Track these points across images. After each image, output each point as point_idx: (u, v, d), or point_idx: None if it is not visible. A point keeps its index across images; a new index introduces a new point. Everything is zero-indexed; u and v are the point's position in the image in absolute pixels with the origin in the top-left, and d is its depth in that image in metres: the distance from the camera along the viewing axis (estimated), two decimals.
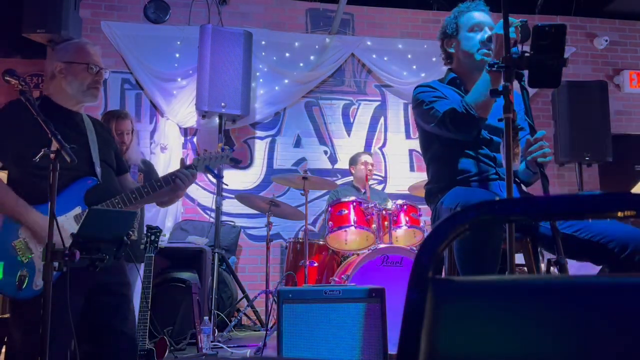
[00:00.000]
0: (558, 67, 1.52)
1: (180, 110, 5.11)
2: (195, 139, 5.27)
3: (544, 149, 1.79)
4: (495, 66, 1.59)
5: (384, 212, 3.61)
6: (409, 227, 3.62)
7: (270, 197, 4.20)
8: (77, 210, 1.96)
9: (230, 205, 5.06)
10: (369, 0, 5.70)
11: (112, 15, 5.21)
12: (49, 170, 1.63)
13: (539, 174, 1.73)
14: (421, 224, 3.70)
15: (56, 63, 2.06)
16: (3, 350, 2.83)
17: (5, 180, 1.98)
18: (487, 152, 2.10)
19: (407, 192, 4.32)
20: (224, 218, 5.00)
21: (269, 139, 5.41)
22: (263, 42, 5.37)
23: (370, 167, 4.65)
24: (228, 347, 3.65)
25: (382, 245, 3.34)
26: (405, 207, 3.66)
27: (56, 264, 1.57)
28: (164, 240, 3.51)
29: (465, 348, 0.54)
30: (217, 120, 4.88)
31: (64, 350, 1.82)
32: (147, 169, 3.55)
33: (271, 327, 3.51)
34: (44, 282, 1.56)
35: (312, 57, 5.47)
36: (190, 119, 5.12)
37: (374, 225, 3.60)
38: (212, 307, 4.07)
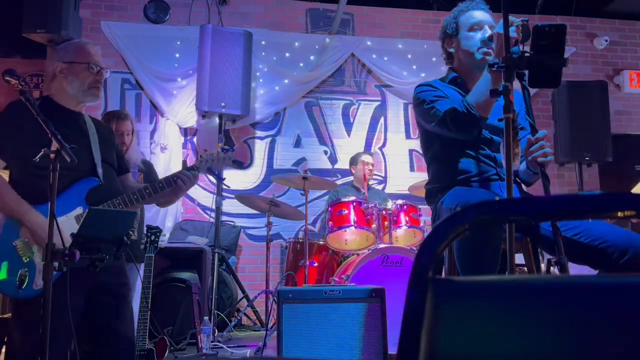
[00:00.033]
0: (558, 67, 1.52)
1: (180, 110, 5.11)
2: (195, 139, 5.27)
3: (544, 148, 1.79)
4: (496, 66, 1.59)
5: (384, 212, 3.61)
6: (409, 227, 3.62)
7: (270, 197, 4.20)
8: (79, 210, 1.96)
9: (230, 205, 5.06)
10: (369, 0, 5.70)
11: (112, 15, 5.21)
12: (49, 170, 1.63)
13: (540, 173, 1.73)
14: (421, 224, 3.70)
15: (57, 63, 2.07)
16: (3, 350, 2.83)
17: (6, 180, 1.99)
18: (488, 152, 2.10)
19: (407, 192, 4.32)
20: (224, 218, 5.00)
21: (269, 139, 5.41)
22: (263, 42, 5.37)
23: (370, 167, 4.66)
24: (228, 347, 3.65)
25: (382, 245, 3.34)
26: (405, 207, 3.66)
27: (56, 264, 1.57)
28: (164, 240, 3.51)
29: (465, 348, 0.54)
30: (217, 120, 4.88)
31: (64, 350, 1.83)
32: (147, 169, 3.55)
33: (271, 327, 3.51)
34: (44, 282, 1.57)
35: (312, 57, 5.47)
36: (190, 119, 5.12)
37: (374, 225, 3.60)
38: (212, 307, 4.07)
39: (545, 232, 1.89)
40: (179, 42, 5.23)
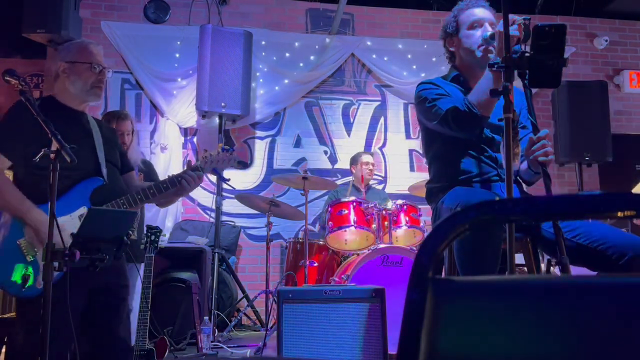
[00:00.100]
0: (558, 67, 1.52)
1: (180, 110, 5.11)
2: (195, 139, 5.27)
3: (546, 147, 1.78)
4: (496, 66, 1.58)
5: (384, 212, 3.61)
6: (409, 227, 3.62)
7: (270, 197, 4.20)
8: (82, 210, 1.97)
9: (230, 205, 5.06)
10: (369, 0, 5.70)
11: (112, 15, 5.21)
12: (50, 170, 1.63)
13: (542, 173, 1.73)
14: (421, 224, 3.70)
15: (59, 63, 2.08)
16: (3, 350, 2.83)
17: (10, 180, 2.00)
18: (489, 152, 2.09)
19: (407, 192, 4.32)
20: (224, 218, 5.00)
21: (269, 139, 5.41)
22: (263, 42, 5.37)
23: (370, 167, 4.66)
24: (228, 347, 3.65)
25: (382, 245, 3.34)
26: (405, 207, 3.66)
27: (56, 263, 1.57)
28: (164, 240, 3.51)
29: (465, 348, 0.54)
30: (217, 120, 4.88)
31: (65, 350, 1.83)
32: (147, 169, 3.55)
33: (271, 327, 3.52)
34: (44, 282, 1.57)
35: (312, 57, 5.47)
36: (190, 119, 5.12)
37: (374, 225, 3.60)
38: (212, 307, 4.07)
39: (546, 232, 1.89)
40: (179, 42, 5.23)
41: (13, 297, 1.91)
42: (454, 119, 1.95)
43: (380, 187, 5.38)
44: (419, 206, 3.77)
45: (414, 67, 5.63)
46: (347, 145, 5.45)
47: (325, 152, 5.48)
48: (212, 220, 4.95)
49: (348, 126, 5.57)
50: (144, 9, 5.25)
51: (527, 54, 1.53)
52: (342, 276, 3.32)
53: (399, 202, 3.69)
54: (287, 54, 5.45)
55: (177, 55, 5.22)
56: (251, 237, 5.21)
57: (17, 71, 1.79)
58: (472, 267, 1.73)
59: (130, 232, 1.94)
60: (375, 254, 3.27)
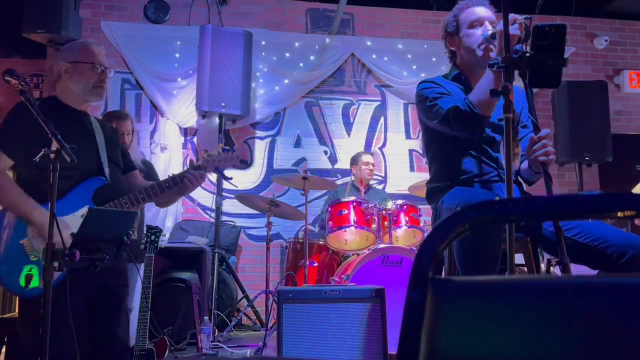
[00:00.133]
0: (558, 67, 1.52)
1: (180, 110, 5.11)
2: (195, 139, 5.27)
3: (546, 147, 1.78)
4: (496, 66, 1.58)
5: (384, 212, 3.61)
6: (409, 227, 3.62)
7: (270, 197, 4.20)
8: (85, 209, 1.98)
9: (230, 205, 5.06)
10: (369, 0, 5.70)
11: (112, 15, 5.21)
12: (50, 170, 1.64)
13: (543, 172, 1.73)
14: (421, 224, 3.70)
15: (62, 63, 2.09)
16: (3, 350, 2.84)
17: (13, 179, 2.01)
18: (490, 152, 2.08)
19: (407, 192, 4.32)
20: (224, 218, 5.00)
21: (269, 139, 5.41)
22: (263, 42, 5.37)
23: (371, 167, 4.66)
24: (228, 347, 3.65)
25: (382, 245, 3.34)
26: (405, 207, 3.66)
27: (56, 264, 1.57)
28: (164, 240, 3.51)
29: (465, 348, 0.54)
30: (217, 120, 4.88)
31: (67, 349, 1.84)
32: (147, 169, 3.55)
33: (271, 327, 3.52)
34: (44, 282, 1.57)
35: (312, 57, 5.47)
36: (190, 119, 5.12)
37: (374, 225, 3.60)
38: (212, 307, 4.07)
39: (546, 232, 1.89)
40: (179, 42, 5.23)
41: (17, 296, 1.92)
42: (455, 119, 1.94)
43: (380, 187, 5.38)
44: (419, 206, 3.77)
45: (414, 67, 5.63)
46: (347, 145, 5.45)
47: (325, 152, 5.48)
48: (212, 220, 4.95)
49: (348, 126, 5.57)
50: (144, 9, 5.25)
51: (527, 54, 1.53)
52: (342, 276, 3.32)
53: (399, 202, 3.69)
54: (287, 54, 5.45)
55: (177, 55, 5.23)
56: (251, 237, 5.21)
57: (17, 71, 1.79)
58: (472, 267, 1.73)
59: (131, 232, 1.94)
60: (375, 254, 3.27)
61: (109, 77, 2.15)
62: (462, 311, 0.56)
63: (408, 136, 5.66)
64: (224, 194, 5.04)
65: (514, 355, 0.53)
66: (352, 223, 3.60)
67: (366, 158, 4.69)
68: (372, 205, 3.63)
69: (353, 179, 4.77)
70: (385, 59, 5.61)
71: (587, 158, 4.86)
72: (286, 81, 5.37)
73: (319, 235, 4.80)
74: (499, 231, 1.71)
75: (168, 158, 5.03)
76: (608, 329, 0.51)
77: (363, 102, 5.63)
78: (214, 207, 4.93)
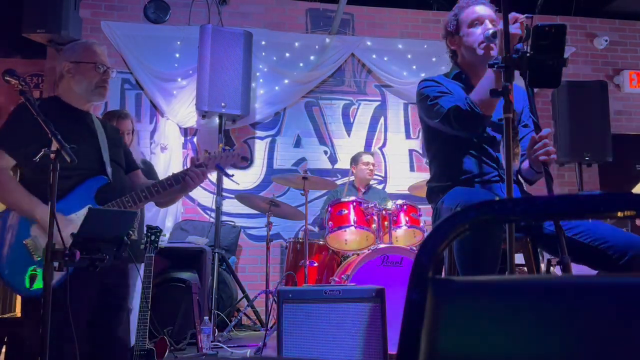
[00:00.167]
0: (558, 67, 1.52)
1: (180, 110, 5.11)
2: (195, 139, 5.27)
3: (547, 147, 1.78)
4: (496, 66, 1.58)
5: (384, 212, 3.60)
6: (409, 227, 3.62)
7: (270, 197, 4.20)
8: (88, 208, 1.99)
9: (230, 205, 5.06)
10: (369, 0, 5.70)
11: (112, 15, 5.21)
12: (50, 170, 1.64)
13: (543, 172, 1.73)
14: (421, 224, 3.70)
15: (64, 63, 2.10)
16: (3, 350, 2.84)
17: (16, 178, 2.03)
18: (491, 152, 2.08)
19: (407, 192, 4.32)
20: (224, 218, 5.00)
21: (269, 139, 5.41)
22: (263, 42, 5.37)
23: (371, 167, 4.66)
24: (228, 347, 3.65)
25: (382, 245, 3.34)
26: (405, 207, 3.66)
27: (56, 264, 1.58)
28: (164, 240, 3.51)
29: (465, 348, 0.54)
30: (217, 120, 4.88)
31: (71, 349, 1.85)
32: (147, 169, 3.54)
33: (271, 327, 3.52)
34: (44, 282, 1.57)
35: (312, 57, 5.47)
36: (190, 119, 5.13)
37: (374, 225, 3.60)
38: (212, 307, 4.07)
39: (546, 231, 1.89)
40: (179, 42, 5.23)
41: (22, 296, 1.92)
42: (456, 118, 1.93)
43: (380, 187, 5.39)
44: (419, 206, 3.77)
45: (414, 67, 5.63)
46: (347, 145, 5.45)
47: (325, 152, 5.48)
48: (212, 220, 4.95)
49: (348, 126, 5.57)
50: (144, 9, 5.25)
51: (527, 54, 1.53)
52: (342, 276, 3.32)
53: (399, 202, 3.69)
54: (287, 54, 5.46)
55: (177, 55, 5.23)
56: (251, 237, 5.21)
57: (17, 71, 1.79)
58: (472, 267, 1.73)
59: (131, 232, 1.95)
60: (375, 254, 3.27)
61: (112, 77, 2.17)
62: (462, 311, 0.56)
63: (408, 136, 5.66)
64: (224, 194, 5.04)
65: (514, 355, 0.53)
66: (352, 223, 3.60)
67: (366, 158, 4.69)
68: (372, 205, 3.63)
69: (353, 178, 4.77)
70: (385, 59, 5.61)
71: (587, 158, 4.86)
72: (286, 81, 5.37)
73: (319, 235, 4.80)
74: (499, 231, 1.71)
75: (168, 158, 5.03)
76: (608, 329, 0.51)
77: (363, 102, 5.63)
78: (214, 207, 4.93)
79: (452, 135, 2.03)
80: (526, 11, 1.80)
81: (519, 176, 2.14)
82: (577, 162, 4.98)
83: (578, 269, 1.88)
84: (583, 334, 0.51)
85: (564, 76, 1.82)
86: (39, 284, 1.87)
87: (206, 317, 3.58)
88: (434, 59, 5.57)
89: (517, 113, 2.17)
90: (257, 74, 5.30)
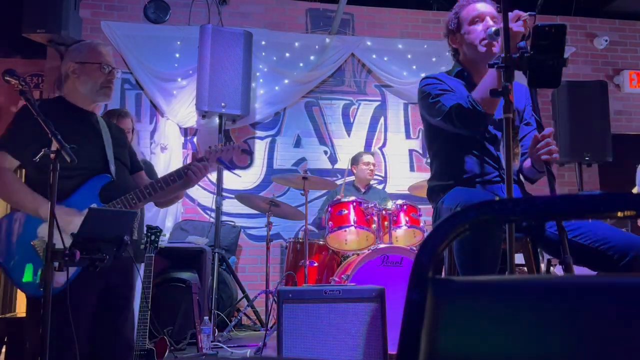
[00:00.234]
0: (558, 67, 1.51)
1: (180, 110, 5.11)
2: (195, 139, 5.27)
3: (550, 146, 1.78)
4: (496, 66, 1.58)
5: (384, 212, 3.60)
6: (409, 227, 3.62)
7: (270, 197, 4.20)
8: (93, 207, 2.00)
9: (230, 205, 5.06)
10: (369, 0, 5.70)
11: (112, 15, 5.21)
12: (50, 170, 1.65)
13: (546, 171, 1.72)
14: (421, 224, 3.70)
15: (69, 63, 2.11)
16: (3, 350, 2.84)
17: (19, 178, 2.04)
18: (492, 151, 2.07)
19: (407, 192, 4.32)
20: (224, 218, 5.00)
21: (269, 139, 5.41)
22: (263, 42, 5.37)
23: (371, 167, 4.66)
24: (228, 347, 3.65)
25: (382, 245, 3.34)
26: (405, 207, 3.66)
27: (57, 264, 1.58)
28: (164, 240, 3.51)
29: (465, 348, 0.54)
30: (217, 120, 4.88)
31: (81, 349, 1.86)
32: (148, 169, 3.54)
33: (271, 327, 3.52)
34: (44, 282, 1.58)
35: (312, 57, 5.47)
36: (190, 119, 5.13)
37: (374, 225, 3.60)
38: (212, 307, 4.07)
39: (548, 232, 1.88)
40: (179, 42, 5.23)
41: (31, 296, 1.93)
42: (458, 116, 1.92)
43: (380, 187, 5.39)
44: (419, 206, 3.77)
45: (414, 67, 5.63)
46: (347, 145, 5.45)
47: (325, 152, 5.48)
48: (212, 220, 4.95)
49: (348, 126, 5.57)
50: (144, 9, 5.25)
51: (527, 54, 1.53)
52: (342, 276, 3.32)
53: (399, 202, 3.69)
54: (287, 54, 5.46)
55: (177, 55, 5.23)
56: (251, 237, 5.21)
57: (17, 71, 1.80)
58: (472, 267, 1.73)
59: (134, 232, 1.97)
60: (375, 254, 3.27)
61: (117, 78, 2.18)
62: (462, 311, 0.56)
63: (408, 136, 5.66)
64: (224, 194, 5.04)
65: (514, 355, 0.53)
66: (352, 223, 3.60)
67: (367, 158, 4.69)
68: (372, 205, 3.63)
69: (353, 178, 4.77)
70: (385, 59, 5.61)
71: (587, 158, 4.86)
72: (286, 81, 5.37)
73: (319, 235, 4.80)
74: (499, 231, 1.71)
75: (168, 158, 5.03)
76: (608, 329, 0.51)
77: (363, 102, 5.63)
78: (214, 207, 4.93)
79: (454, 134, 2.02)
80: (526, 11, 1.79)
81: (520, 175, 2.14)
82: (577, 162, 4.97)
83: (578, 271, 1.88)
84: (583, 334, 0.51)
85: (564, 76, 1.82)
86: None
87: (206, 317, 3.58)
88: (434, 59, 5.57)
89: (519, 111, 2.16)
90: (257, 74, 5.30)
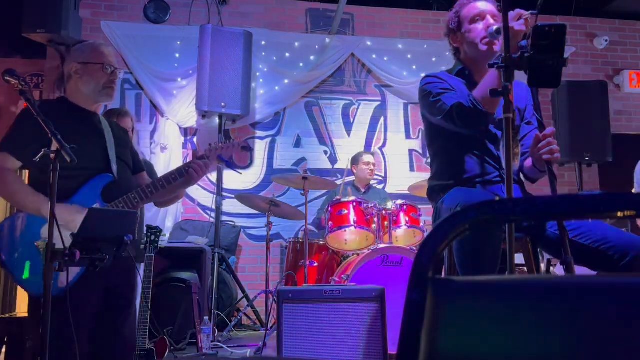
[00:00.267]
0: (558, 67, 1.51)
1: (180, 110, 5.12)
2: (195, 139, 5.27)
3: (551, 146, 1.78)
4: (496, 66, 1.58)
5: (384, 212, 3.60)
6: (409, 227, 3.62)
7: (270, 197, 4.20)
8: (96, 206, 2.00)
9: (230, 205, 5.06)
10: (369, 0, 5.70)
11: (112, 15, 5.21)
12: (50, 170, 1.65)
13: (547, 171, 1.72)
14: (421, 224, 3.70)
15: (72, 64, 2.12)
16: (3, 350, 2.84)
17: (22, 179, 2.05)
18: (492, 150, 2.07)
19: (407, 192, 4.32)
20: (224, 218, 5.00)
21: (269, 139, 5.41)
22: (263, 42, 5.37)
23: (371, 167, 4.66)
24: (228, 347, 3.65)
25: (382, 245, 3.34)
26: (405, 207, 3.66)
27: (57, 264, 1.58)
28: (164, 240, 3.51)
29: (465, 348, 0.54)
30: (217, 120, 4.88)
31: (82, 348, 1.86)
32: (148, 169, 3.54)
33: (271, 327, 3.52)
34: (44, 282, 1.58)
35: (312, 57, 5.48)
36: (190, 119, 5.13)
37: (374, 225, 3.60)
38: (212, 307, 4.07)
39: (549, 233, 1.88)
40: (179, 42, 5.23)
41: (35, 297, 1.93)
42: (459, 115, 1.92)
43: (380, 187, 5.38)
44: (419, 206, 3.77)
45: (414, 67, 5.63)
46: (347, 145, 5.45)
47: (325, 152, 5.48)
48: (212, 220, 4.95)
49: (348, 126, 5.57)
50: (144, 9, 5.25)
51: (527, 54, 1.53)
52: (342, 276, 3.32)
53: (399, 202, 3.69)
54: (287, 54, 5.46)
55: (177, 55, 5.23)
56: (251, 237, 5.21)
57: (17, 71, 1.80)
58: (472, 267, 1.73)
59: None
60: (375, 254, 3.27)
61: (119, 78, 2.19)
62: (462, 311, 0.56)
63: (408, 136, 5.66)
64: (224, 194, 5.04)
65: (514, 355, 0.53)
66: (352, 223, 3.60)
67: (367, 158, 4.69)
68: (372, 205, 3.63)
69: (354, 178, 4.77)
70: (385, 59, 5.61)
71: (587, 158, 4.86)
72: (286, 81, 5.37)
73: (319, 235, 4.80)
74: (499, 231, 1.71)
75: (168, 158, 5.03)
76: (608, 329, 0.51)
77: (363, 102, 5.63)
78: (214, 207, 4.93)
79: (455, 133, 2.02)
80: (526, 10, 1.79)
81: (521, 175, 2.14)
82: (577, 162, 4.97)
83: (578, 271, 1.88)
84: (583, 334, 0.51)
85: (564, 76, 1.81)
86: (53, 285, 1.88)
87: (206, 317, 3.58)
88: (434, 59, 5.57)
89: (520, 110, 2.16)
90: (257, 74, 5.30)
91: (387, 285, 2.62)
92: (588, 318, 0.52)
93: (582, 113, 4.85)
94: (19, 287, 5.34)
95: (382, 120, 5.63)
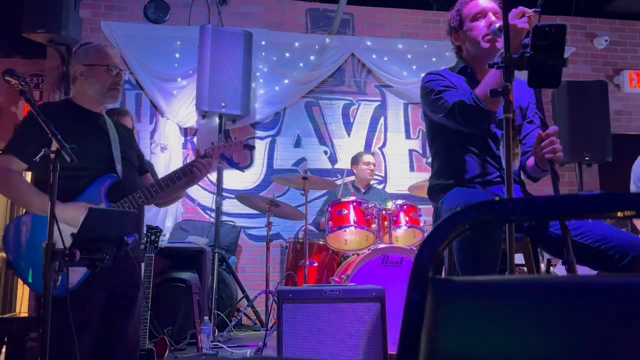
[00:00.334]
0: (558, 67, 1.51)
1: (180, 110, 5.12)
2: (195, 139, 5.27)
3: (554, 145, 1.77)
4: (496, 66, 1.58)
5: (384, 212, 3.60)
6: (409, 227, 3.62)
7: (270, 197, 4.20)
8: (102, 207, 2.02)
9: (230, 205, 5.06)
10: (369, 0, 5.70)
11: (112, 15, 5.21)
12: (50, 170, 1.65)
13: (550, 170, 1.72)
14: (421, 224, 3.70)
15: (77, 66, 2.13)
16: (3, 350, 2.84)
17: (26, 180, 2.07)
18: (494, 149, 2.06)
19: (407, 192, 4.32)
20: (224, 218, 5.00)
21: (269, 139, 5.41)
22: (263, 42, 5.37)
23: (372, 167, 4.66)
24: (228, 347, 3.65)
25: (382, 245, 3.34)
26: (405, 207, 3.66)
27: (57, 264, 1.58)
28: (164, 240, 3.51)
29: (465, 348, 0.54)
30: (217, 120, 4.89)
31: (87, 348, 1.86)
32: (149, 169, 3.55)
33: (271, 327, 3.52)
34: (44, 282, 1.58)
35: (312, 57, 5.48)
36: (190, 119, 5.13)
37: (373, 225, 3.60)
38: (212, 307, 4.07)
39: (550, 233, 1.88)
40: (179, 42, 5.23)
41: (41, 296, 1.94)
42: (461, 113, 1.91)
43: (380, 187, 5.38)
44: (419, 206, 3.77)
45: (414, 67, 5.63)
46: (347, 145, 5.45)
47: (325, 152, 5.48)
48: (212, 220, 4.95)
49: (348, 126, 5.57)
50: (144, 9, 5.25)
51: (527, 54, 1.53)
52: (342, 276, 3.32)
53: (399, 202, 3.69)
54: (287, 54, 5.46)
55: (177, 55, 5.23)
56: (251, 237, 5.21)
57: (17, 71, 1.80)
58: (472, 267, 1.73)
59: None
60: (375, 254, 3.27)
61: (124, 79, 2.20)
62: (462, 311, 0.56)
63: (408, 136, 5.66)
64: (224, 194, 5.04)
65: (514, 355, 0.53)
66: (352, 223, 3.60)
67: (367, 158, 4.69)
68: (372, 205, 3.63)
69: (354, 178, 4.77)
70: (385, 59, 5.61)
71: (587, 158, 4.86)
72: (286, 81, 5.37)
73: (319, 235, 4.80)
74: (499, 231, 1.71)
75: (168, 158, 5.03)
76: (608, 329, 0.51)
77: (363, 102, 5.63)
78: (214, 207, 4.93)
79: (456, 132, 2.01)
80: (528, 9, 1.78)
81: (522, 175, 2.13)
82: (577, 162, 4.97)
83: (578, 270, 1.88)
84: (583, 334, 0.51)
85: (564, 76, 1.81)
86: (61, 285, 1.88)
87: (206, 317, 3.58)
88: (434, 59, 5.56)
89: (522, 108, 2.15)
90: (257, 74, 5.30)
91: (387, 285, 2.62)
92: (588, 318, 0.52)
93: (582, 113, 4.85)
94: (19, 288, 5.34)
95: (382, 120, 5.63)
